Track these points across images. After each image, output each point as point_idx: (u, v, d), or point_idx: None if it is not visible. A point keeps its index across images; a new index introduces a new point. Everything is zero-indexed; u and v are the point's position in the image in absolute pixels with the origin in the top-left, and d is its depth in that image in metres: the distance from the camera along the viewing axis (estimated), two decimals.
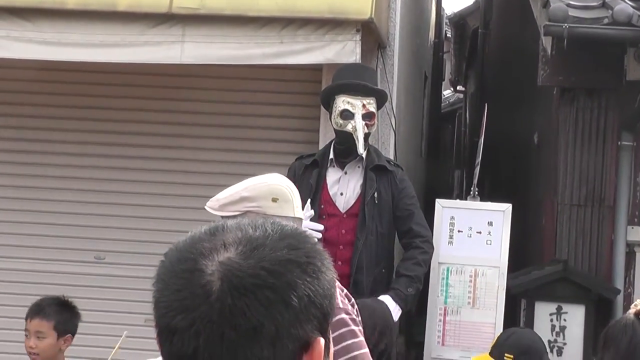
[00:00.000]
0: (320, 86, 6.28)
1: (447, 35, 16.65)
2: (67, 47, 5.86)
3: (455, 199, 12.27)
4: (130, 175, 6.82)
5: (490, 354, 4.22)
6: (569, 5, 5.73)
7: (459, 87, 18.09)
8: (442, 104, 17.21)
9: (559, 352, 5.85)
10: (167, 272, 1.24)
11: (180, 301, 1.20)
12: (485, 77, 13.16)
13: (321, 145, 6.00)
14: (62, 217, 6.81)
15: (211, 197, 7.07)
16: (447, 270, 5.62)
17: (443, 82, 16.13)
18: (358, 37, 5.72)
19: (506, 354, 4.13)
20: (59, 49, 5.87)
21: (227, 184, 6.79)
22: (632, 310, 3.02)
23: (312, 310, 1.22)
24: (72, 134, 6.84)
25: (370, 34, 6.04)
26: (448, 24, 16.32)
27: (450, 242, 5.64)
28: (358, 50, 5.71)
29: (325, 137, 6.16)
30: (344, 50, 5.72)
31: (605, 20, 5.64)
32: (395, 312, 5.03)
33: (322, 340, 1.24)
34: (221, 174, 6.74)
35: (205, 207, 3.08)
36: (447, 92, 19.29)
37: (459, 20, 15.60)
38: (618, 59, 5.84)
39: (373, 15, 5.68)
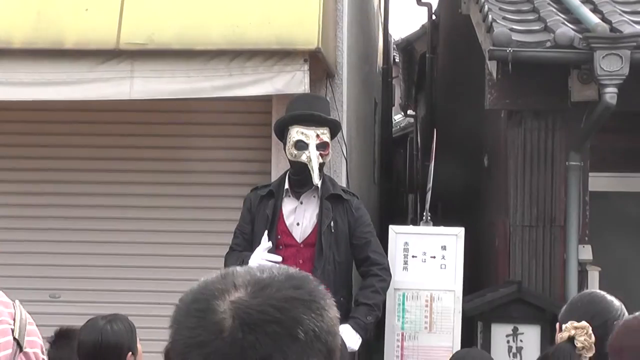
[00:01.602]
0: (271, 117, 6.31)
1: (396, 60, 16.78)
2: (14, 87, 5.83)
3: (410, 222, 12.35)
4: (82, 212, 6.79)
5: None
6: (512, 29, 5.82)
7: (409, 112, 18.21)
8: (394, 129, 17.31)
9: None
10: (182, 313, 1.34)
11: (194, 338, 1.29)
12: (434, 100, 13.28)
13: (274, 176, 6.01)
14: (16, 256, 6.76)
15: (166, 231, 7.06)
16: (403, 296, 5.64)
17: (393, 107, 16.24)
18: (306, 67, 5.75)
19: None
20: (5, 89, 5.83)
21: (182, 218, 6.83)
22: (564, 335, 3.02)
23: (317, 345, 1.30)
24: (20, 172, 6.80)
25: (318, 64, 6.09)
26: (396, 49, 16.45)
27: (405, 268, 5.67)
28: (307, 80, 5.74)
29: (278, 167, 6.18)
30: (293, 81, 5.75)
31: (548, 44, 5.73)
32: (355, 341, 5.03)
33: None
34: (176, 207, 6.75)
35: None
36: (397, 117, 19.40)
37: (407, 46, 15.73)
38: (563, 81, 5.93)
39: (320, 45, 5.72)
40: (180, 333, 1.31)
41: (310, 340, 1.28)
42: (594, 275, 6.25)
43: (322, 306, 1.33)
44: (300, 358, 1.27)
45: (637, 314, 2.37)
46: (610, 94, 5.54)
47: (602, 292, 3.20)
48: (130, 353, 3.67)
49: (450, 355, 5.00)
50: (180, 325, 1.32)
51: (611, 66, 5.52)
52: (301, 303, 1.30)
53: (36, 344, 2.96)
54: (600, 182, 6.43)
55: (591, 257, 6.26)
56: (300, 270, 1.37)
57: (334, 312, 1.35)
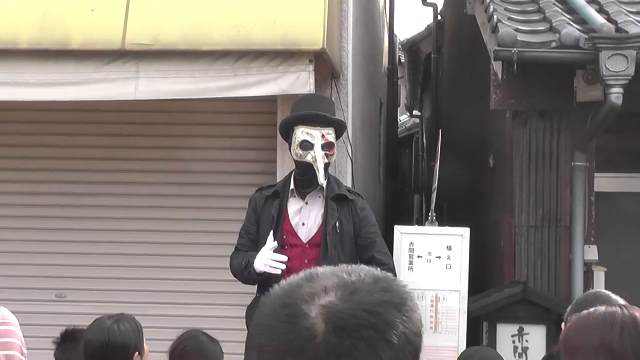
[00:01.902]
0: (276, 117, 6.31)
1: (401, 60, 16.78)
2: (19, 87, 5.83)
3: (415, 223, 12.34)
4: (87, 212, 6.80)
5: None
6: (517, 30, 5.82)
7: (414, 112, 18.21)
8: (399, 129, 17.31)
9: None
10: (270, 318, 1.30)
11: (286, 344, 1.26)
12: (440, 101, 13.27)
13: (279, 176, 6.01)
14: (21, 256, 6.77)
15: (171, 231, 7.07)
16: None
17: (399, 108, 16.24)
18: (311, 67, 5.75)
19: None
20: (12, 89, 5.84)
21: (186, 218, 6.84)
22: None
23: (408, 348, 1.29)
24: (25, 172, 6.82)
25: (323, 64, 6.09)
26: (401, 49, 16.45)
27: (410, 268, 5.67)
28: (312, 80, 5.74)
29: (283, 167, 6.18)
30: (298, 81, 5.75)
31: (553, 44, 5.73)
32: None
33: None
34: (181, 208, 6.76)
35: None
36: (403, 117, 19.41)
37: (412, 46, 15.74)
38: (568, 81, 5.92)
39: (325, 46, 5.72)
40: (269, 338, 1.28)
41: (402, 344, 1.28)
42: (599, 275, 6.24)
43: (411, 308, 1.32)
44: None
45: (591, 309, 2.24)
46: (616, 94, 5.54)
47: (608, 292, 3.19)
48: (137, 353, 3.67)
49: (456, 356, 5.00)
50: (269, 330, 1.29)
51: (617, 66, 5.52)
52: (393, 306, 1.29)
53: (13, 345, 2.90)
54: (606, 182, 6.43)
55: (597, 258, 6.25)
56: (385, 273, 1.36)
57: (419, 313, 1.34)
